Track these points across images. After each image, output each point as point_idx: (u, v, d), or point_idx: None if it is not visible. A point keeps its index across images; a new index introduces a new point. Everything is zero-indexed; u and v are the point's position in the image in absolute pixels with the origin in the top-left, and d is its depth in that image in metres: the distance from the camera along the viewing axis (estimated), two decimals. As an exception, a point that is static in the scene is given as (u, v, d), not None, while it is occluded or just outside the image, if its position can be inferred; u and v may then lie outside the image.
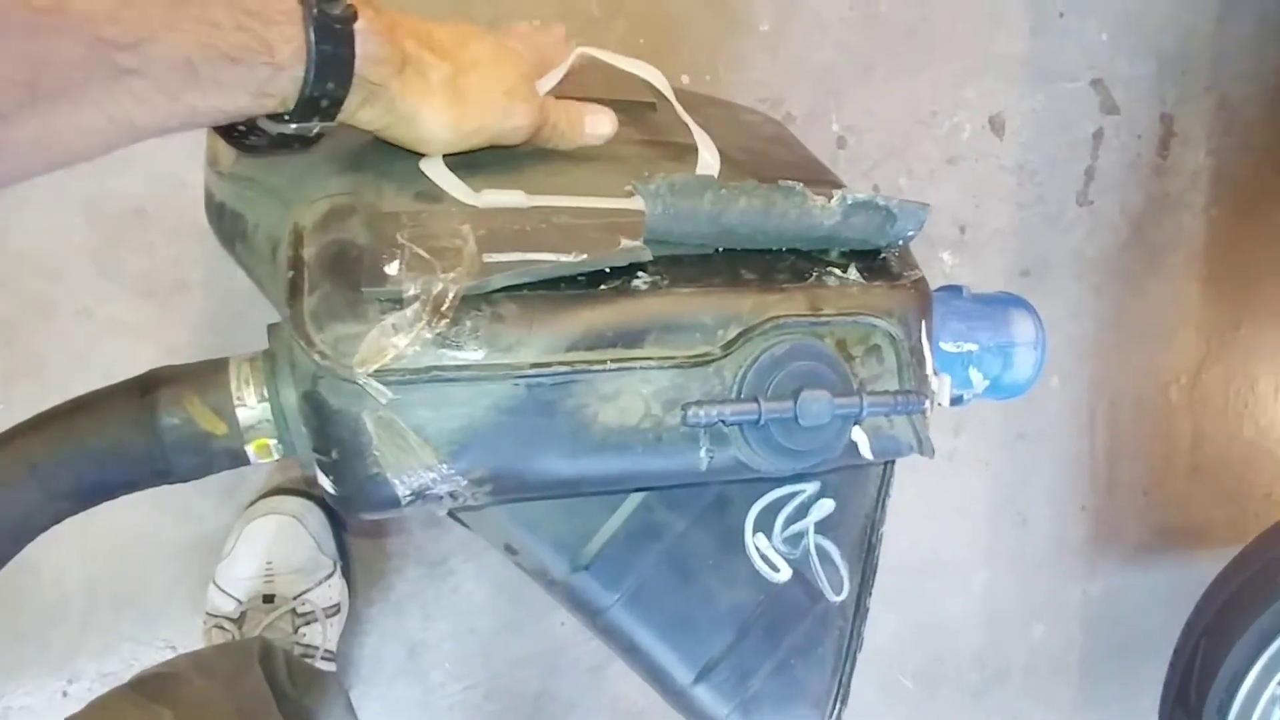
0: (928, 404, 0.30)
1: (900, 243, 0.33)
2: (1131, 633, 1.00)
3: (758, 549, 0.33)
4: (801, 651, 0.35)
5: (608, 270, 0.27)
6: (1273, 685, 0.66)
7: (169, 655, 0.70)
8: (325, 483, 0.26)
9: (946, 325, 0.36)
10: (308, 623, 0.65)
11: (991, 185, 0.90)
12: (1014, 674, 0.98)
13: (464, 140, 0.30)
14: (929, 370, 0.32)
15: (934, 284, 0.89)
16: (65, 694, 0.70)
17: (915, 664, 0.94)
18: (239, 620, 0.64)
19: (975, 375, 0.35)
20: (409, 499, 0.26)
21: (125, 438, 0.25)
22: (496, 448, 0.26)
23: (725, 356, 0.28)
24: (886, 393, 0.29)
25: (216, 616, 0.65)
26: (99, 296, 0.68)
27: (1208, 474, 1.04)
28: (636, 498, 0.31)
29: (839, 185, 0.35)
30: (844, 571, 0.35)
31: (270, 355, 0.27)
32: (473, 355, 0.25)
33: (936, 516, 0.92)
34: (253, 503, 0.69)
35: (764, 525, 0.33)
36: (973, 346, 0.35)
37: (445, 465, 0.25)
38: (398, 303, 0.25)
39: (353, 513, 0.28)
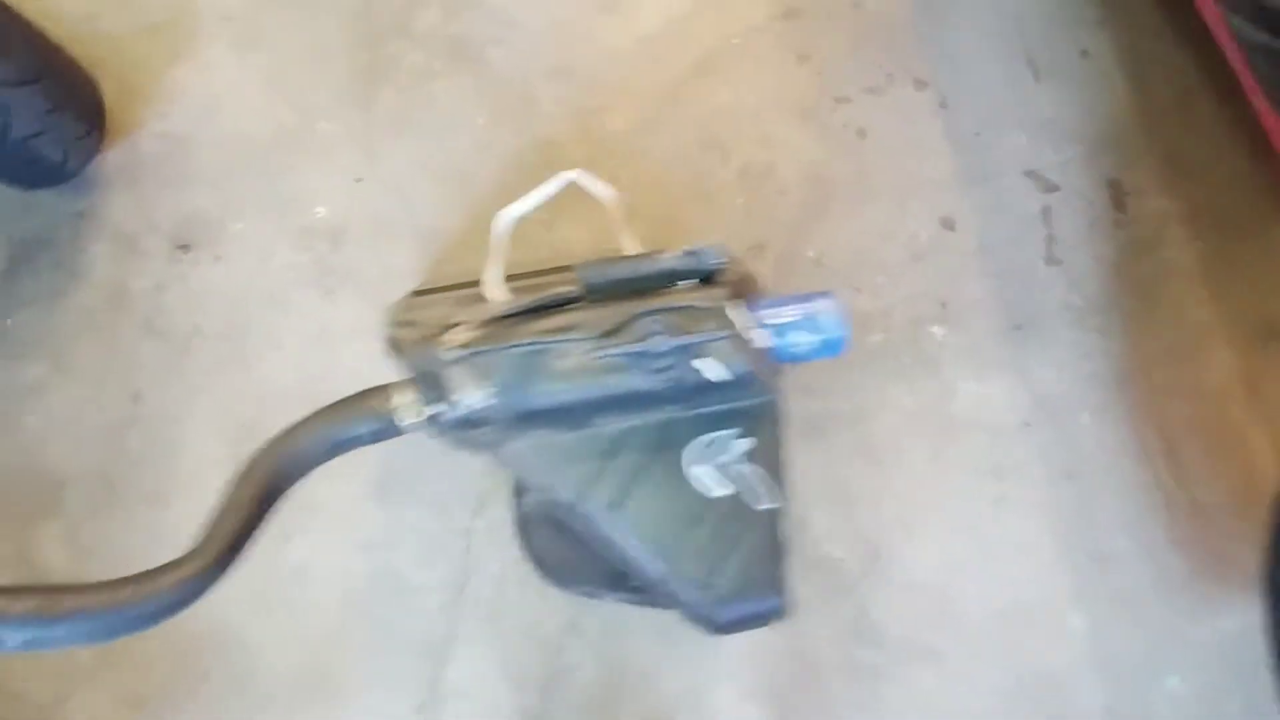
0: (725, 336, 0.52)
1: (719, 266, 0.57)
2: (1290, 670, 0.91)
3: (698, 475, 0.54)
4: (749, 546, 0.53)
5: (557, 304, 0.56)
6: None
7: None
8: (433, 409, 0.52)
9: (769, 310, 0.57)
10: None
11: (959, 268, 1.08)
12: (1160, 732, 0.91)
13: None
14: (740, 326, 0.54)
15: (929, 355, 1.03)
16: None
17: (1033, 724, 0.92)
18: None
19: (799, 336, 0.56)
20: (470, 413, 0.51)
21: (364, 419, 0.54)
22: (513, 381, 0.52)
23: (617, 331, 0.53)
24: (699, 333, 0.52)
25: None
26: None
27: (1317, 486, 0.99)
28: (613, 444, 0.54)
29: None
30: (767, 488, 0.55)
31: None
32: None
33: (999, 559, 0.96)
34: None
35: (703, 458, 0.55)
36: (789, 317, 0.57)
37: (487, 392, 0.52)
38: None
39: (443, 422, 0.52)
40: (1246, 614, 0.95)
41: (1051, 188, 1.12)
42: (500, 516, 0.97)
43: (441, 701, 0.93)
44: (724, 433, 0.54)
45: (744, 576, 0.53)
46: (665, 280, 0.57)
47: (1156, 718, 0.92)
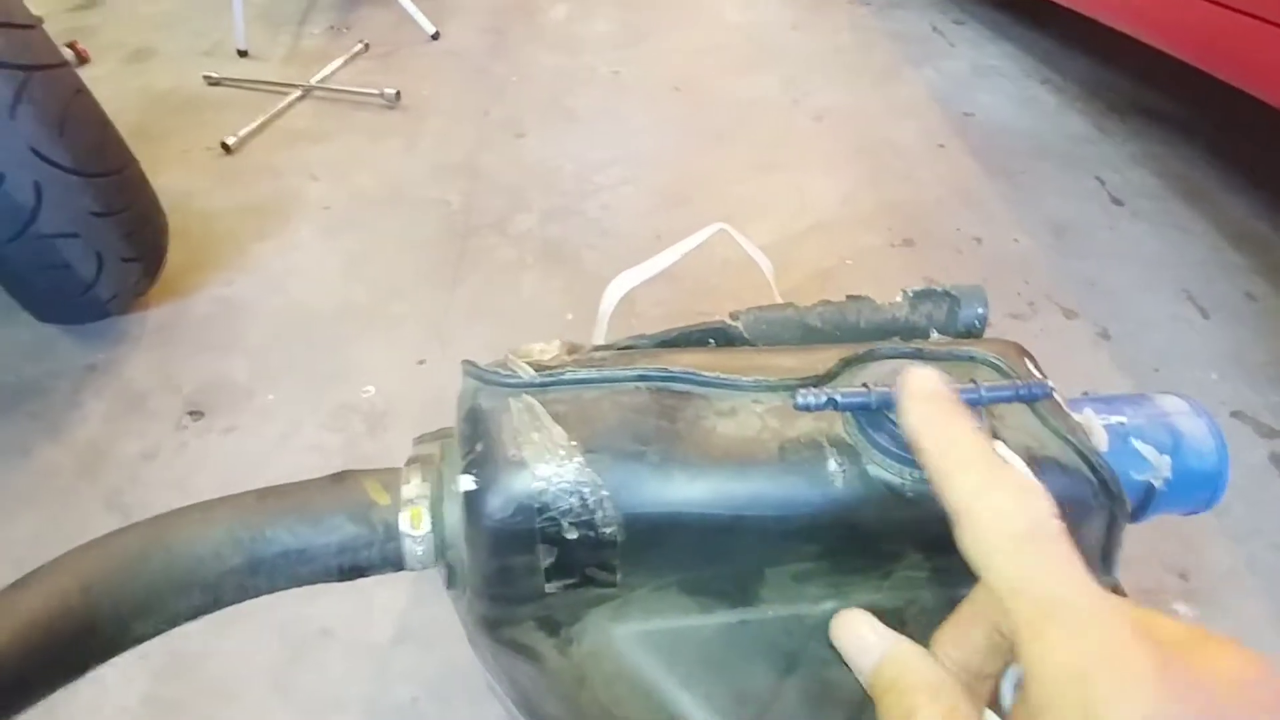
0: (1046, 393, 0.24)
1: (977, 324, 0.33)
2: None
3: None
4: None
5: (714, 338, 0.31)
6: None
7: None
8: (467, 482, 0.24)
9: (1080, 404, 0.31)
10: None
11: (1199, 531, 0.82)
12: None
13: None
14: (1057, 398, 0.27)
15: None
16: None
17: None
18: None
19: (1146, 450, 0.29)
20: (541, 488, 0.23)
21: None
22: (621, 439, 0.24)
23: (831, 377, 0.27)
24: (1004, 384, 0.24)
25: None
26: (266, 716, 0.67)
27: None
28: (804, 652, 0.24)
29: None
30: None
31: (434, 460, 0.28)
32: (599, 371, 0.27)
33: None
34: None
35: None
36: (1122, 418, 0.30)
37: (577, 451, 0.24)
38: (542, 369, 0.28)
39: (486, 512, 0.24)
40: None
41: (1271, 433, 0.90)
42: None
43: None
44: None
45: None
46: (885, 336, 0.33)
47: None
